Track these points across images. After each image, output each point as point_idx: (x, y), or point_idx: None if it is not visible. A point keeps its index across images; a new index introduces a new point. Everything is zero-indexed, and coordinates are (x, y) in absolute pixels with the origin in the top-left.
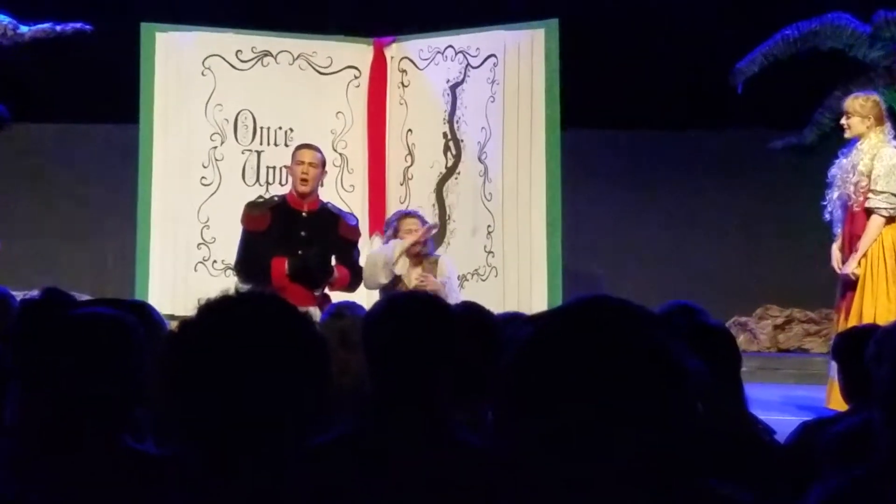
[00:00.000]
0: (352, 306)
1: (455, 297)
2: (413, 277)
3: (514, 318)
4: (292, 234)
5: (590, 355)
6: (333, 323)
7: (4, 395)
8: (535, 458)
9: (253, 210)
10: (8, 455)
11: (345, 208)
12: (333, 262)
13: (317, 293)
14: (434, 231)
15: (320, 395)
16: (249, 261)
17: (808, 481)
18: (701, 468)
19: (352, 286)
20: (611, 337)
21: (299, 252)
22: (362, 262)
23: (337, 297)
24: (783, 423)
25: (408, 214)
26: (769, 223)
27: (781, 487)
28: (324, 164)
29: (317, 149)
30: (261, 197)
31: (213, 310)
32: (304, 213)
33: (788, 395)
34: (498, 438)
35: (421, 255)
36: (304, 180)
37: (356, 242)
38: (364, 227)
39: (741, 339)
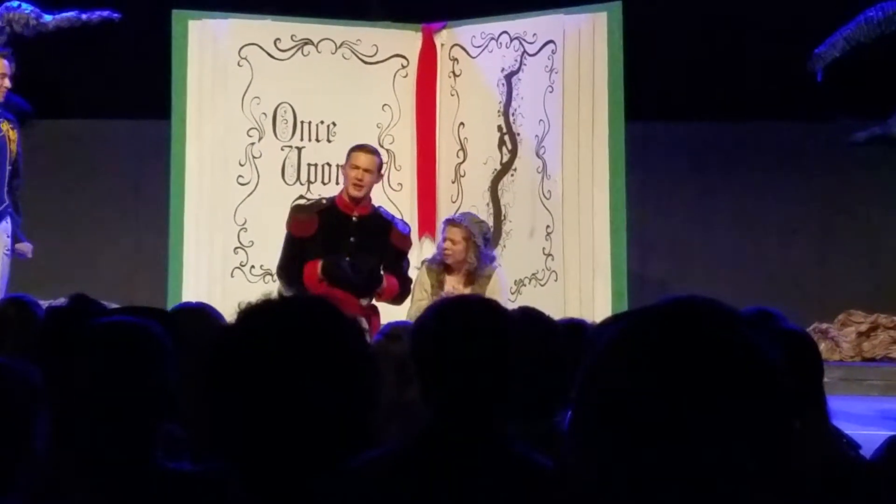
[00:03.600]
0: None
1: None
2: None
3: (576, 326)
4: (341, 240)
5: (685, 355)
6: (388, 346)
7: (33, 419)
8: (616, 474)
9: (300, 214)
10: (40, 484)
11: (392, 208)
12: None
13: (364, 302)
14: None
15: (368, 408)
16: (294, 267)
17: None
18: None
19: (400, 298)
20: (707, 336)
21: (347, 259)
22: (412, 274)
23: (384, 308)
24: (869, 437)
25: (450, 222)
26: (852, 221)
27: None
28: (381, 168)
29: (374, 151)
30: (302, 197)
31: (254, 315)
32: (354, 218)
33: (874, 408)
34: (573, 451)
35: (471, 272)
36: (357, 185)
37: (407, 252)
38: (413, 228)
39: (822, 348)
